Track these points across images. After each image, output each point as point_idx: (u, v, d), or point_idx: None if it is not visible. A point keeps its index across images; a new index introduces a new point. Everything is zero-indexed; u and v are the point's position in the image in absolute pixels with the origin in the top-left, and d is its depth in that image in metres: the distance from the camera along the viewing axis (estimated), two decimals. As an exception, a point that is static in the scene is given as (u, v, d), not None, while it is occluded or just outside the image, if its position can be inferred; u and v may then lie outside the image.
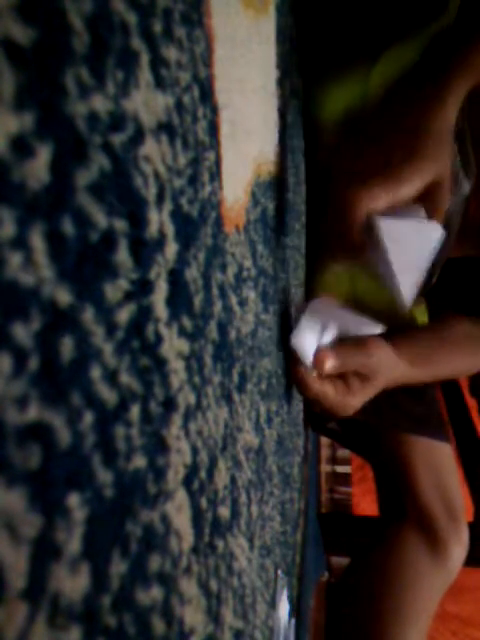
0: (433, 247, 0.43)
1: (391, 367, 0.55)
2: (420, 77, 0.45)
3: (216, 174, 0.24)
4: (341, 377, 0.51)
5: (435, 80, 0.43)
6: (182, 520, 0.19)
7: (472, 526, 0.68)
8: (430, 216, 0.43)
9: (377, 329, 0.48)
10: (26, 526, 0.10)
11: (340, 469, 2.33)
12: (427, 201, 0.42)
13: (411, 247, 0.42)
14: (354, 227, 0.40)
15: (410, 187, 0.40)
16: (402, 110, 0.43)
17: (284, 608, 0.45)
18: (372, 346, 0.52)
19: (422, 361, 0.62)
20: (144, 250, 0.16)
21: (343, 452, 2.32)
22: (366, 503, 1.97)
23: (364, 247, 0.42)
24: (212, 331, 0.23)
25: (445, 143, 0.42)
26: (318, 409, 0.52)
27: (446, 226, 0.68)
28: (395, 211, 0.42)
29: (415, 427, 0.72)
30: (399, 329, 0.64)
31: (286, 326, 0.49)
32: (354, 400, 0.51)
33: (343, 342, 0.51)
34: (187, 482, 0.19)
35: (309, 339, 0.48)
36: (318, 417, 0.81)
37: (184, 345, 0.20)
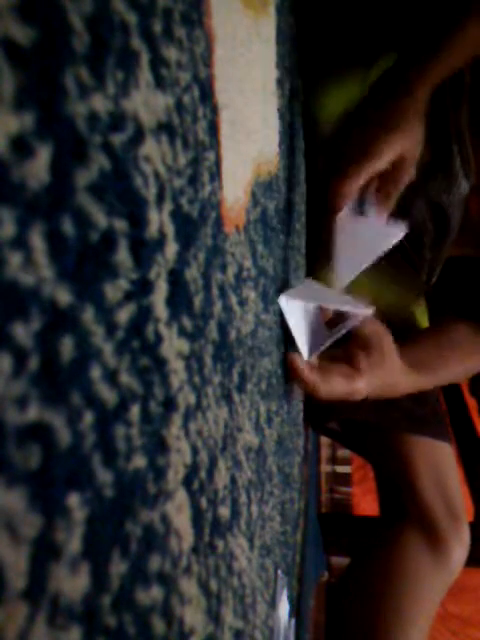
0: (388, 245, 0.49)
1: (394, 367, 0.55)
2: (397, 68, 0.49)
3: (216, 174, 0.24)
4: (346, 361, 0.51)
5: (407, 70, 0.48)
6: (182, 520, 0.19)
7: (472, 526, 0.68)
8: (392, 188, 0.48)
9: (367, 311, 0.49)
10: (26, 526, 0.10)
11: (340, 469, 2.33)
12: (392, 173, 0.47)
13: (360, 243, 0.48)
14: (338, 202, 0.46)
15: (381, 160, 0.45)
16: (379, 98, 0.48)
17: (284, 608, 0.45)
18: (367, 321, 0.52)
19: (424, 368, 0.62)
20: (144, 250, 0.16)
21: (343, 452, 2.32)
22: (366, 503, 1.97)
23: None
24: (212, 331, 0.23)
25: (412, 119, 0.47)
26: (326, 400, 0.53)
27: (447, 227, 0.69)
28: (361, 209, 0.48)
29: (415, 427, 0.72)
30: (400, 330, 0.64)
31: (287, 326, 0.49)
32: (362, 383, 0.51)
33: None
34: (187, 482, 0.19)
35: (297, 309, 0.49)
36: (318, 417, 0.81)
37: (184, 345, 0.20)
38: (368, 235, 0.48)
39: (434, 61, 0.48)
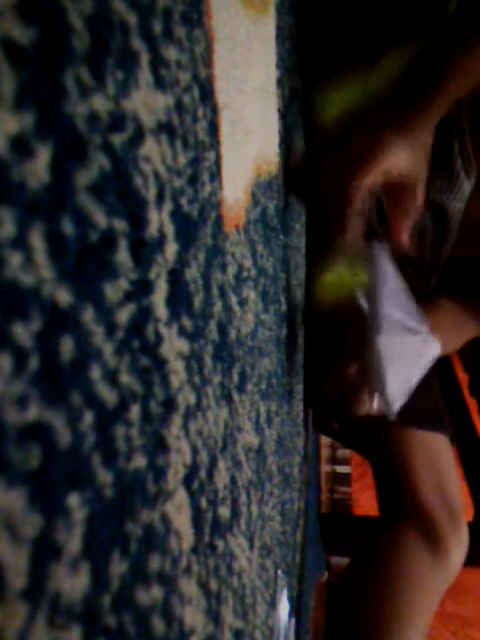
0: (428, 363, 0.47)
1: None
2: (404, 99, 0.48)
3: (216, 174, 0.24)
4: None
5: (416, 104, 0.47)
6: (182, 520, 0.19)
7: (472, 526, 0.68)
8: (400, 218, 0.47)
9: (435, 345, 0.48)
10: (26, 526, 0.10)
11: (340, 469, 2.33)
12: (400, 201, 0.46)
13: (405, 364, 0.46)
14: (354, 201, 0.44)
15: (398, 160, 0.44)
16: (390, 105, 0.47)
17: (284, 608, 0.45)
18: None
19: None
20: (144, 250, 0.16)
21: (343, 452, 2.32)
22: (366, 499, 1.97)
23: (361, 222, 0.46)
24: (212, 331, 0.23)
25: (424, 154, 0.46)
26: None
27: (447, 227, 0.69)
28: (399, 317, 0.45)
29: (418, 420, 0.71)
30: None
31: (291, 328, 0.50)
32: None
33: None
34: (187, 482, 0.19)
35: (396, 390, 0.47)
36: (322, 417, 0.81)
37: (184, 345, 0.20)
38: (411, 354, 0.46)
39: (446, 85, 0.46)
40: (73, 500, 0.12)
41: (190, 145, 0.21)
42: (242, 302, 0.30)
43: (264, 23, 0.38)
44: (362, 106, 0.56)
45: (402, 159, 0.44)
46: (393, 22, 0.61)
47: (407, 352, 0.45)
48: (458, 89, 0.48)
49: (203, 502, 0.21)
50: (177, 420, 0.19)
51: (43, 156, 0.11)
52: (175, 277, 0.19)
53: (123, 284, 0.15)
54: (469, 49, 0.47)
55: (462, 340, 0.74)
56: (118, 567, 0.14)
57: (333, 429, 0.82)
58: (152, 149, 0.17)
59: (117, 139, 0.14)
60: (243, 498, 0.29)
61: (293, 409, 0.57)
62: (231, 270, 0.27)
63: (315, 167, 0.52)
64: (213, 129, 0.24)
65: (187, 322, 0.20)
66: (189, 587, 0.19)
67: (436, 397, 0.78)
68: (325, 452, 2.26)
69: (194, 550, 0.20)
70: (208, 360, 0.23)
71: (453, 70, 0.47)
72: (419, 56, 0.51)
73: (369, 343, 0.45)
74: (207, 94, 0.23)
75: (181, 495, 0.19)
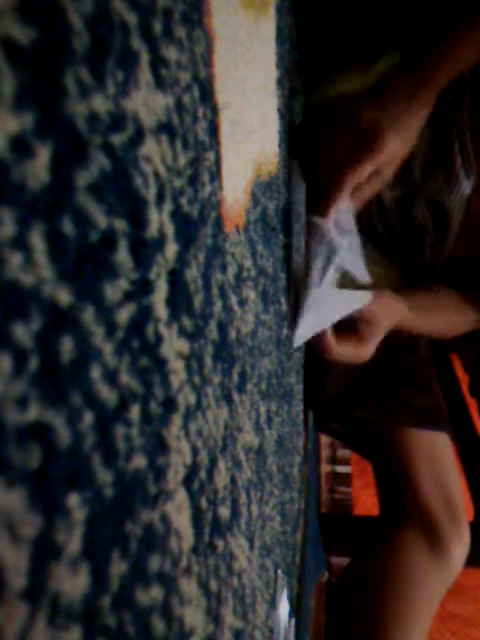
0: (353, 309, 0.53)
1: (391, 310, 0.60)
2: (406, 65, 0.52)
3: (216, 174, 0.24)
4: (352, 329, 0.56)
5: (415, 68, 0.51)
6: (182, 520, 0.19)
7: (472, 526, 0.68)
8: (377, 182, 0.51)
9: (365, 298, 0.54)
10: (26, 526, 0.10)
11: (340, 469, 2.33)
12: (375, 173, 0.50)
13: (325, 316, 0.52)
14: (344, 188, 0.49)
15: (390, 152, 0.49)
16: (386, 92, 0.51)
17: (284, 608, 0.45)
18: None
19: (418, 309, 0.67)
20: (144, 250, 0.16)
21: (343, 452, 2.32)
22: (366, 496, 1.97)
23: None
24: (212, 331, 0.23)
25: (414, 134, 0.50)
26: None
27: (447, 226, 0.69)
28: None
29: (418, 419, 0.71)
30: (400, 332, 0.65)
31: (291, 324, 0.51)
32: (367, 349, 0.57)
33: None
34: (187, 482, 0.19)
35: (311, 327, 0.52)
36: (322, 416, 0.81)
37: (184, 345, 0.20)
38: (334, 302, 0.51)
39: (444, 60, 0.50)
40: (73, 500, 0.12)
41: (190, 145, 0.21)
42: (242, 302, 0.30)
43: (264, 23, 0.38)
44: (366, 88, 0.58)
45: (394, 149, 0.49)
46: (393, 22, 0.61)
47: (331, 306, 0.51)
48: (458, 63, 0.50)
49: (203, 502, 0.21)
50: (177, 420, 0.19)
51: (43, 156, 0.11)
52: (175, 277, 0.19)
53: (123, 284, 0.15)
54: (474, 22, 0.48)
55: (464, 325, 0.75)
56: (118, 567, 0.14)
57: (333, 428, 0.82)
58: (152, 149, 0.17)
59: (117, 139, 0.14)
60: (243, 498, 0.29)
61: (293, 409, 0.57)
62: (231, 270, 0.27)
63: (316, 133, 0.56)
64: (213, 129, 0.24)
65: (187, 322, 0.20)
66: (189, 587, 0.19)
67: (436, 397, 0.78)
68: (325, 452, 2.26)
69: (194, 550, 0.20)
70: (208, 360, 0.23)
71: (454, 42, 0.49)
72: (422, 31, 0.53)
73: (303, 292, 0.51)
74: (207, 94, 0.23)
75: (181, 495, 0.19)
